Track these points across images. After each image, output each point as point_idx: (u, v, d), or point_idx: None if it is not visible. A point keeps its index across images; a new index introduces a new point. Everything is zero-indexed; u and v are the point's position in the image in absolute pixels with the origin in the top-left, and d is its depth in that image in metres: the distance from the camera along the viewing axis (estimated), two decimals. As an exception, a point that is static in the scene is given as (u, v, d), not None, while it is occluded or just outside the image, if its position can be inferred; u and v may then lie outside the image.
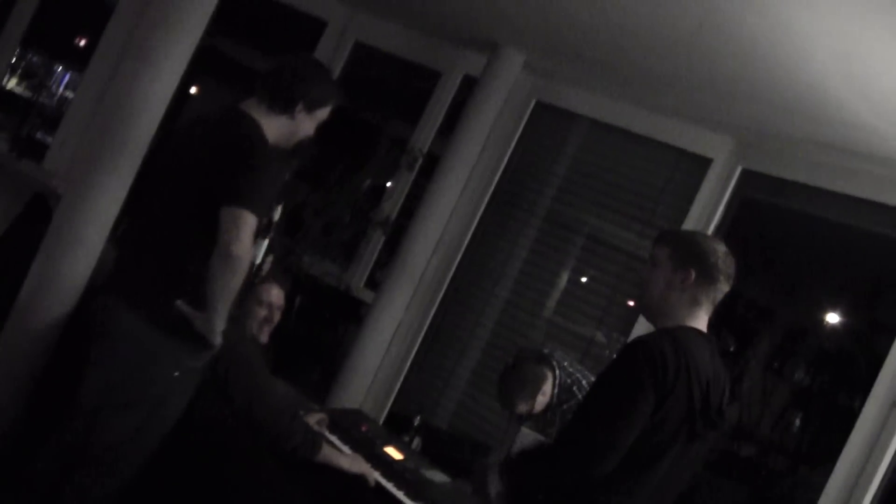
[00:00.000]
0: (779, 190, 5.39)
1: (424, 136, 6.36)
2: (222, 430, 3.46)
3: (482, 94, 5.90)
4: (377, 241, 6.33)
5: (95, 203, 3.81)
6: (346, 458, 3.81)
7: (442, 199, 5.89)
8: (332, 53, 6.63)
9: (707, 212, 5.45)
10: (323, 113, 3.28)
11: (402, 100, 6.74)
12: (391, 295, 5.87)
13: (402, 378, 6.08)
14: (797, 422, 6.93)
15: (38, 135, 6.93)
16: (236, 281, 2.90)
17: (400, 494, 3.84)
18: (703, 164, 5.61)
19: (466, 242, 6.19)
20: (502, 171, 6.22)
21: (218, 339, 3.01)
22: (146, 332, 2.98)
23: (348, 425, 4.33)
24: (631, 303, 5.73)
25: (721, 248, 2.77)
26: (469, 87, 6.13)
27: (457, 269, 6.18)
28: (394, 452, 4.17)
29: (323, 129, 6.51)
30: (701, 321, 2.76)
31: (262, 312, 3.76)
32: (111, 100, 4.00)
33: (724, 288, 2.77)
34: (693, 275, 2.71)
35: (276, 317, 3.83)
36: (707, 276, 2.72)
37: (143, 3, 4.12)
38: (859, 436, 4.32)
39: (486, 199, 6.20)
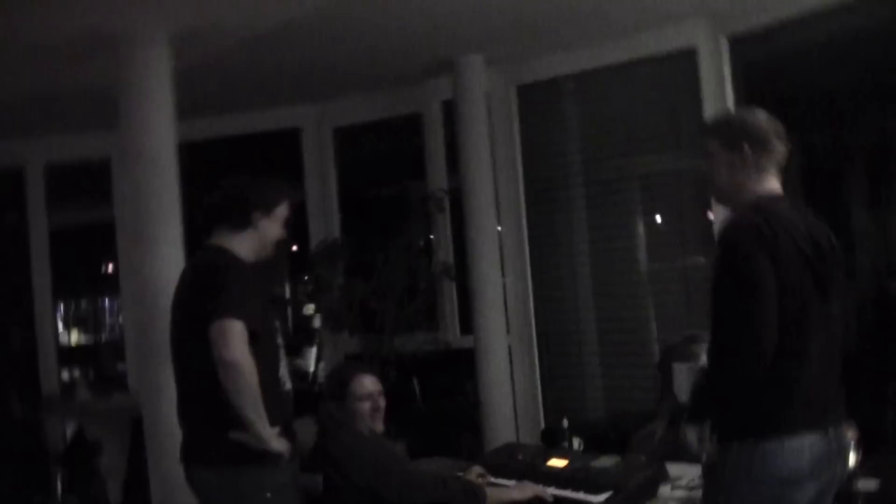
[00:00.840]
0: (768, 36, 5.31)
1: (438, 177, 6.40)
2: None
3: (464, 109, 5.96)
4: (450, 289, 6.35)
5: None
6: (515, 490, 3.79)
7: (482, 220, 5.91)
8: (319, 153, 6.75)
9: (719, 92, 5.39)
10: (282, 211, 3.39)
11: (405, 158, 6.79)
12: (487, 329, 5.88)
13: (539, 396, 6.05)
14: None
15: (121, 367, 7.14)
16: (246, 383, 2.99)
17: (580, 495, 3.80)
18: (690, 56, 5.56)
19: (527, 244, 6.19)
20: (523, 165, 6.23)
21: (276, 446, 3.08)
22: (223, 477, 3.12)
23: (505, 461, 4.31)
24: (710, 215, 5.66)
25: (761, 115, 2.82)
26: (450, 109, 6.17)
27: (532, 271, 6.17)
28: (557, 462, 4.13)
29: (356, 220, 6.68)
30: (773, 185, 2.79)
31: (366, 405, 3.78)
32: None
33: (780, 148, 2.79)
34: (747, 147, 2.74)
35: (382, 402, 3.85)
36: (759, 143, 2.76)
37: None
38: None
39: (523, 198, 6.20)
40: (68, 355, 8.62)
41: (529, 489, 3.78)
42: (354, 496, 3.52)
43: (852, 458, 3.72)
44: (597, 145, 6.11)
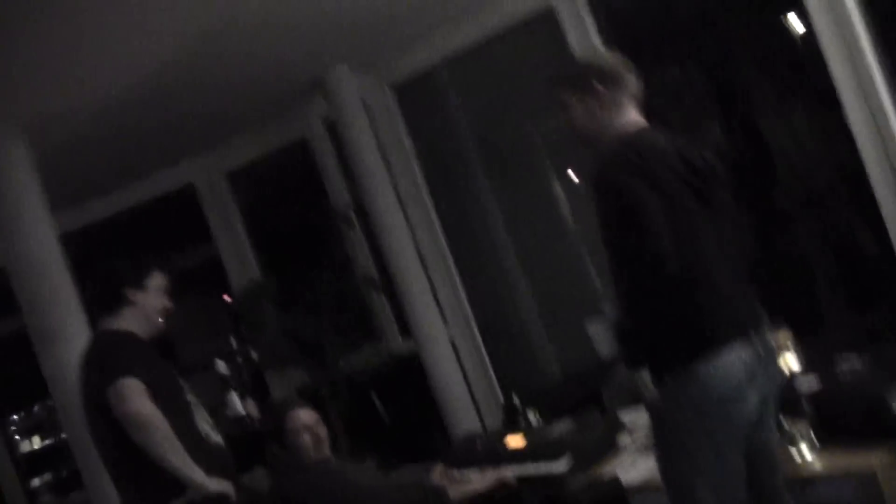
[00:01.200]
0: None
1: (340, 195, 6.37)
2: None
3: (345, 121, 5.92)
4: (380, 300, 6.33)
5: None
6: (476, 481, 3.82)
7: (392, 228, 5.91)
8: (219, 201, 6.70)
9: (587, 44, 5.41)
10: (155, 281, 3.38)
11: (305, 182, 6.74)
12: (425, 332, 5.89)
13: (494, 379, 6.06)
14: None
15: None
16: (157, 431, 2.98)
17: (541, 466, 3.84)
18: (550, 16, 5.57)
19: (443, 238, 6.19)
20: (420, 162, 6.21)
21: (213, 486, 3.04)
22: None
23: (467, 452, 4.35)
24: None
25: (601, 52, 2.88)
26: (334, 126, 6.14)
27: (456, 262, 6.17)
28: (514, 441, 4.17)
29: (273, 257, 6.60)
30: (634, 118, 2.78)
31: (307, 438, 3.76)
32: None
33: (632, 81, 2.79)
34: (599, 86, 2.73)
35: (322, 431, 3.84)
36: (610, 79, 2.75)
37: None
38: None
39: (427, 195, 6.19)
40: (33, 462, 8.50)
41: (490, 477, 3.81)
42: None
43: (793, 362, 3.78)
44: (488, 122, 6.11)
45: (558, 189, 6.07)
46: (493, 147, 6.12)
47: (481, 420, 5.85)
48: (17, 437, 8.58)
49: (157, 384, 3.11)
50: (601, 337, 3.07)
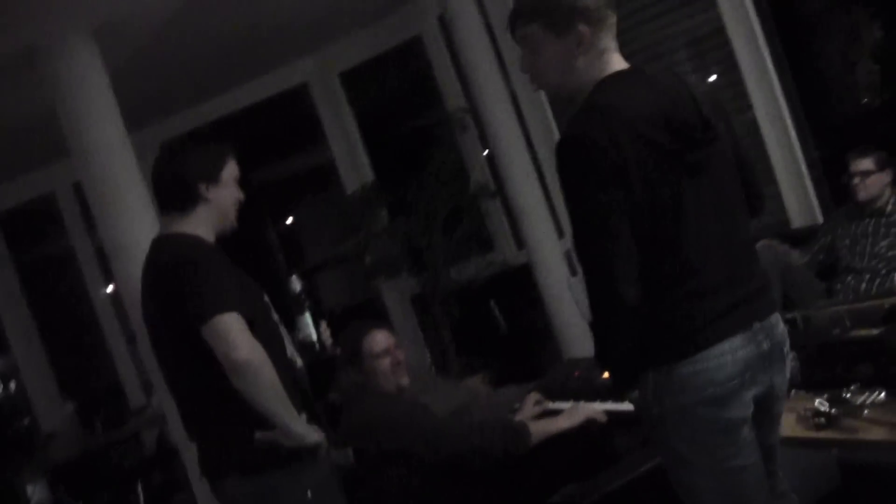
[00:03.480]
0: None
1: (454, 97, 6.11)
2: (426, 493, 3.33)
3: (461, 22, 5.59)
4: (494, 207, 6.11)
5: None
6: (563, 418, 3.57)
7: (504, 132, 5.61)
8: (332, 102, 6.55)
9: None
10: (229, 172, 3.00)
11: (419, 86, 6.51)
12: (536, 242, 5.65)
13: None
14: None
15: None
16: (266, 379, 2.68)
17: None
18: None
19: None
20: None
21: (312, 437, 2.79)
22: (255, 485, 2.86)
23: (562, 382, 4.12)
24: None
25: None
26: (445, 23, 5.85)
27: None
28: (612, 373, 3.91)
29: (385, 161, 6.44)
30: (618, 62, 2.30)
31: (385, 362, 3.58)
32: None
33: (613, 16, 2.29)
34: (584, 28, 2.23)
35: (400, 355, 3.65)
36: (594, 19, 2.24)
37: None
38: None
39: (546, 100, 5.86)
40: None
41: (581, 414, 3.56)
42: (388, 462, 3.35)
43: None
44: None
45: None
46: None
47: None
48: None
49: (251, 309, 2.87)
50: (580, 295, 2.68)
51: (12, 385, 7.78)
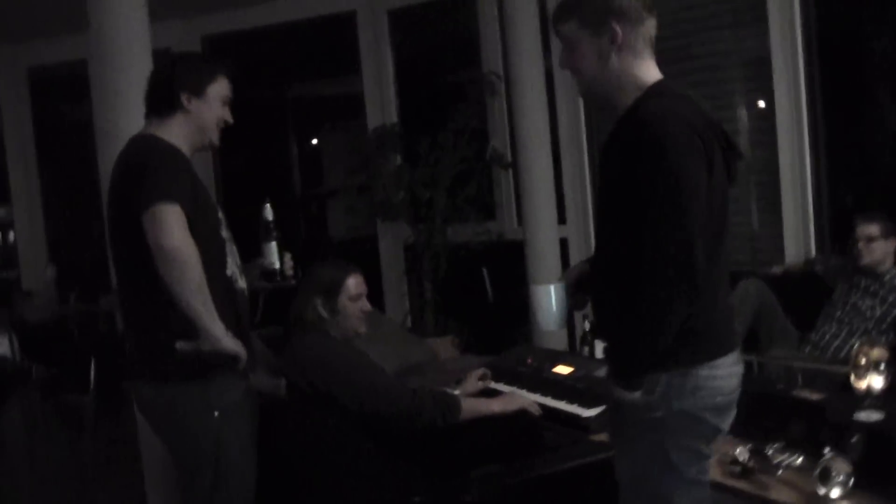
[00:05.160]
0: None
1: (492, 60, 6.07)
2: (344, 443, 3.36)
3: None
4: (506, 178, 6.09)
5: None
6: (498, 402, 3.60)
7: (531, 102, 5.57)
8: (375, 37, 6.52)
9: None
10: (218, 90, 2.97)
11: (462, 42, 6.45)
12: (536, 220, 5.64)
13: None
14: None
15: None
16: (190, 270, 2.68)
17: (573, 407, 3.60)
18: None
19: (584, 131, 5.84)
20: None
21: (229, 345, 2.77)
22: (168, 393, 2.90)
23: (513, 365, 4.14)
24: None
25: None
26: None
27: (590, 161, 5.83)
28: (562, 369, 3.93)
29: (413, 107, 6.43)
30: (655, 70, 2.34)
31: (358, 306, 3.60)
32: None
33: (652, 22, 2.32)
34: (618, 28, 2.27)
35: (367, 306, 3.69)
36: (631, 19, 2.28)
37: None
38: None
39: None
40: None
41: (516, 402, 3.60)
42: (317, 402, 3.38)
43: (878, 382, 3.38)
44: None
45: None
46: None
47: (570, 331, 5.60)
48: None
49: (197, 213, 2.88)
50: (544, 302, 2.64)
51: (11, 235, 7.87)
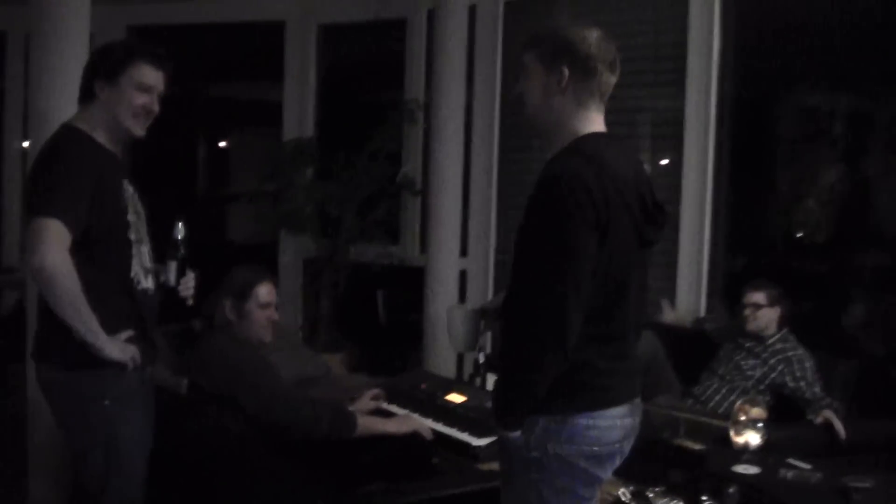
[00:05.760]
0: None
1: (415, 86, 6.16)
2: (240, 445, 3.37)
3: (444, 17, 5.69)
4: (413, 204, 6.16)
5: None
6: (393, 422, 3.66)
7: (447, 133, 5.69)
8: (302, 48, 6.55)
9: (705, 24, 5.10)
10: (133, 76, 2.91)
11: (387, 65, 6.53)
12: (439, 249, 5.75)
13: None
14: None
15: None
16: (58, 290, 2.73)
17: (463, 436, 3.67)
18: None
19: (496, 167, 5.96)
20: (502, 83, 5.95)
21: (111, 353, 2.84)
22: (64, 380, 2.92)
23: (407, 389, 4.20)
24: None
25: (594, 34, 2.38)
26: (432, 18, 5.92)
27: (498, 196, 5.96)
28: (455, 398, 4.01)
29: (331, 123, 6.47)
30: (596, 123, 2.41)
31: (265, 314, 3.62)
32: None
33: (608, 79, 2.39)
34: (567, 72, 2.35)
35: (275, 315, 3.71)
36: (583, 69, 2.35)
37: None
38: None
39: (498, 116, 5.94)
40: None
41: (409, 424, 3.66)
42: (217, 403, 3.39)
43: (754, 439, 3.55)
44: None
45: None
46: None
47: (459, 361, 5.70)
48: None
49: (94, 218, 2.86)
50: (458, 324, 2.77)
51: None
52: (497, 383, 2.40)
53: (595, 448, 2.33)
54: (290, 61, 6.63)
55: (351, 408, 3.82)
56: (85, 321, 2.79)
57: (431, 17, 6.01)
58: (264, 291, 3.63)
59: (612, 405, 2.34)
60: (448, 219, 5.70)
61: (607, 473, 2.42)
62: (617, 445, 2.37)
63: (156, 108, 3.01)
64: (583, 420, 2.31)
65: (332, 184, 6.01)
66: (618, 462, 2.43)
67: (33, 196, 2.79)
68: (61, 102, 3.71)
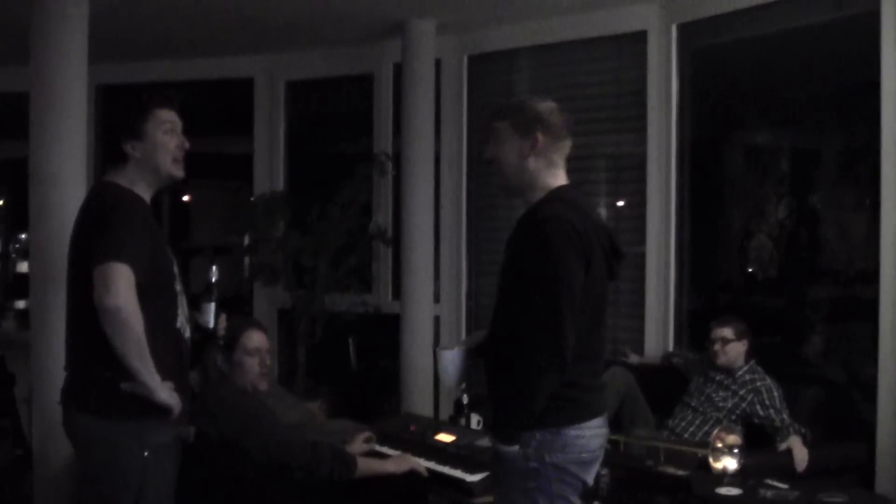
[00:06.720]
0: (718, 27, 5.30)
1: (384, 139, 6.35)
2: (249, 489, 3.50)
3: (412, 73, 5.89)
4: (385, 253, 6.33)
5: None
6: (391, 462, 3.80)
7: (418, 184, 5.89)
8: (270, 104, 6.72)
9: (663, 73, 5.37)
10: (155, 124, 3.05)
11: (355, 118, 6.73)
12: (413, 296, 5.92)
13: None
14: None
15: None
16: (129, 332, 2.83)
17: (457, 472, 3.82)
18: (640, 38, 5.52)
19: (465, 216, 6.18)
20: (468, 135, 6.19)
21: (163, 397, 2.93)
22: (101, 427, 2.98)
23: (397, 431, 4.34)
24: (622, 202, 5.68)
25: (551, 105, 2.82)
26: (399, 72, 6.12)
27: (468, 243, 6.16)
28: (445, 437, 4.16)
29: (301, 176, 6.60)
30: (562, 177, 2.83)
31: (254, 361, 3.76)
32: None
33: (568, 143, 2.83)
34: (540, 136, 2.76)
35: (267, 360, 3.85)
36: (552, 134, 2.77)
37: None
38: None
39: (465, 167, 6.17)
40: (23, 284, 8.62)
41: (406, 463, 3.81)
42: (224, 450, 3.51)
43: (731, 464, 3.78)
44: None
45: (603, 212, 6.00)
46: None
47: (435, 402, 5.85)
48: (14, 255, 8.76)
49: (151, 270, 2.98)
50: (449, 366, 3.10)
51: None
52: (498, 404, 2.77)
53: (583, 455, 2.73)
54: (259, 117, 6.80)
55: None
56: (147, 364, 2.87)
57: (397, 70, 6.23)
58: (249, 339, 3.78)
59: (593, 417, 2.75)
60: (421, 266, 5.88)
61: (591, 478, 2.79)
62: (598, 452, 2.78)
63: (186, 143, 3.14)
64: (573, 431, 2.70)
65: (306, 235, 6.15)
66: (597, 467, 2.82)
67: (99, 246, 2.85)
68: (62, 158, 3.88)
